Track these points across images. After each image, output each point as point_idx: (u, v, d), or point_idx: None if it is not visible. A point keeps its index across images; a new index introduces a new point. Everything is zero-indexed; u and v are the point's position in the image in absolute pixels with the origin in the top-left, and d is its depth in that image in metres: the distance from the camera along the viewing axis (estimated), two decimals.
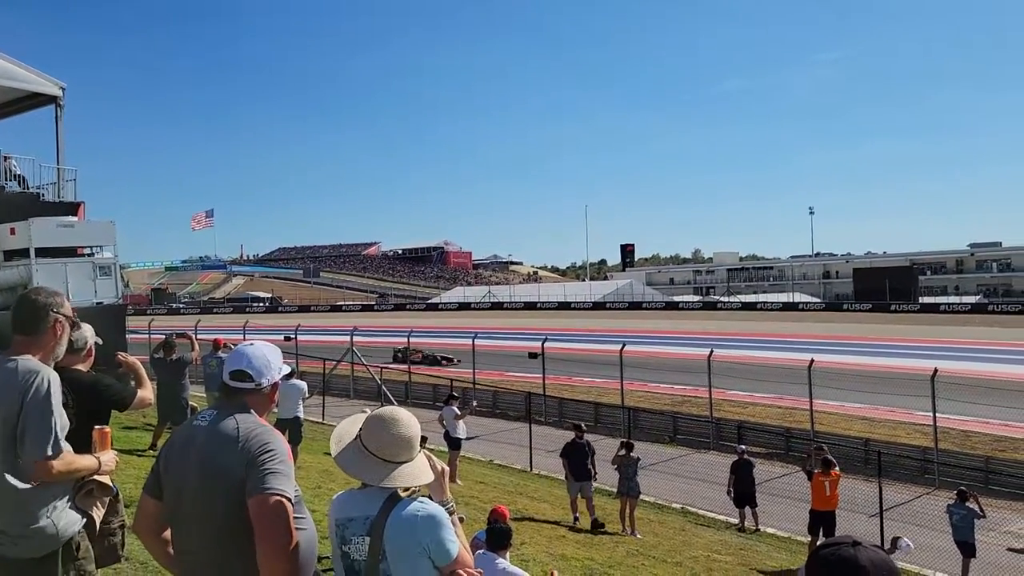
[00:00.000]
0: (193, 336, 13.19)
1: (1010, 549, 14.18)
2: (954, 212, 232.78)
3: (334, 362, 27.82)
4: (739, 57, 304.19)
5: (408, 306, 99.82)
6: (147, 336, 26.07)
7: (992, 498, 15.75)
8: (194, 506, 2.49)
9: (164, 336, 13.41)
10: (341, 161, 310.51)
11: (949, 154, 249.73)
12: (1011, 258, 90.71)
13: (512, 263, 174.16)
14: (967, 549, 12.45)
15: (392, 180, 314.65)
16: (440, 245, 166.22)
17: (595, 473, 13.44)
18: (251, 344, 2.72)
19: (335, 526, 2.56)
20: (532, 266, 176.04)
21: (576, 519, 12.73)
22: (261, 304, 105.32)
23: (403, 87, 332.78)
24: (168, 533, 2.64)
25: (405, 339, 31.86)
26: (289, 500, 2.40)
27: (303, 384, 12.60)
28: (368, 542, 2.44)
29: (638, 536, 12.37)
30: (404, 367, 30.37)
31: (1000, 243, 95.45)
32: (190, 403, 11.55)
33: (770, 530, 14.54)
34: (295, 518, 2.43)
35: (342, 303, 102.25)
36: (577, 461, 13.36)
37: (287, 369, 2.77)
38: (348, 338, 28.34)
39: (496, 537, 5.66)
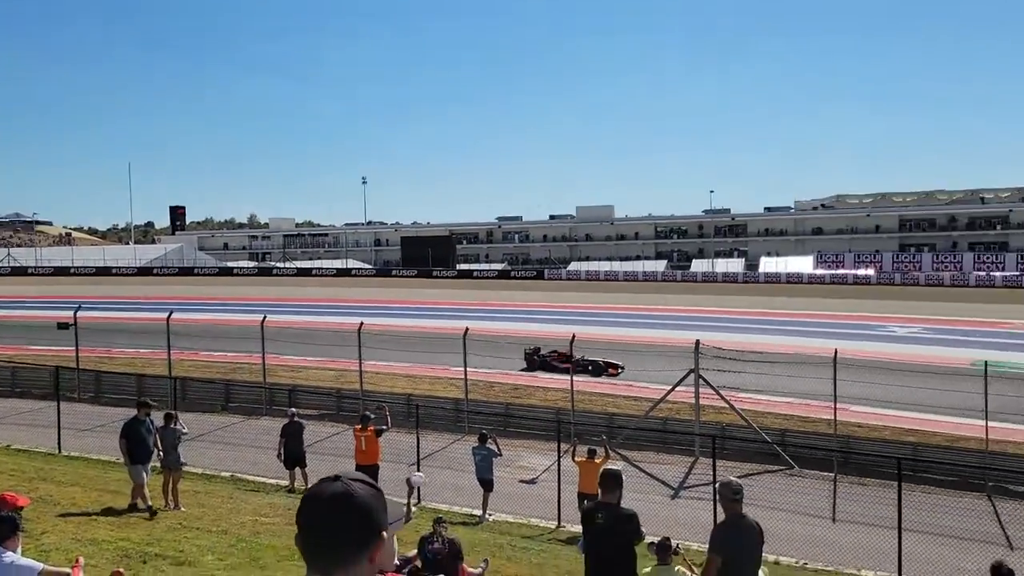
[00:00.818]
0: None
1: (521, 481, 16.63)
2: (487, 187, 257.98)
3: None
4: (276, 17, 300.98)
5: None
6: None
7: (510, 439, 18.20)
8: None
9: None
10: None
11: (482, 135, 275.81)
12: (529, 231, 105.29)
13: (39, 223, 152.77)
14: (487, 485, 14.29)
15: None
16: None
17: (160, 454, 12.39)
18: None
19: None
20: (65, 227, 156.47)
21: (149, 507, 11.62)
22: None
23: None
24: None
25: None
26: None
27: None
28: None
29: (182, 509, 11.91)
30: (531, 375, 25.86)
31: (521, 217, 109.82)
32: None
33: None
34: None
35: None
36: (139, 441, 12.21)
37: None
38: None
39: None
